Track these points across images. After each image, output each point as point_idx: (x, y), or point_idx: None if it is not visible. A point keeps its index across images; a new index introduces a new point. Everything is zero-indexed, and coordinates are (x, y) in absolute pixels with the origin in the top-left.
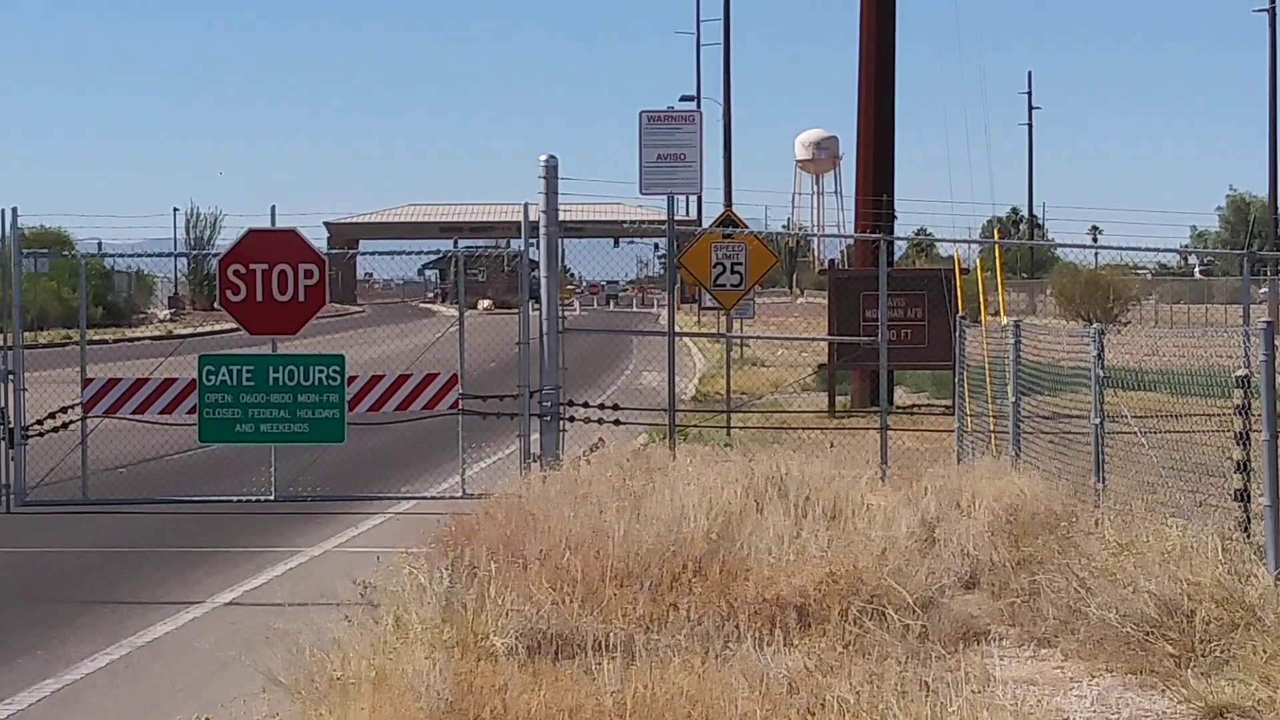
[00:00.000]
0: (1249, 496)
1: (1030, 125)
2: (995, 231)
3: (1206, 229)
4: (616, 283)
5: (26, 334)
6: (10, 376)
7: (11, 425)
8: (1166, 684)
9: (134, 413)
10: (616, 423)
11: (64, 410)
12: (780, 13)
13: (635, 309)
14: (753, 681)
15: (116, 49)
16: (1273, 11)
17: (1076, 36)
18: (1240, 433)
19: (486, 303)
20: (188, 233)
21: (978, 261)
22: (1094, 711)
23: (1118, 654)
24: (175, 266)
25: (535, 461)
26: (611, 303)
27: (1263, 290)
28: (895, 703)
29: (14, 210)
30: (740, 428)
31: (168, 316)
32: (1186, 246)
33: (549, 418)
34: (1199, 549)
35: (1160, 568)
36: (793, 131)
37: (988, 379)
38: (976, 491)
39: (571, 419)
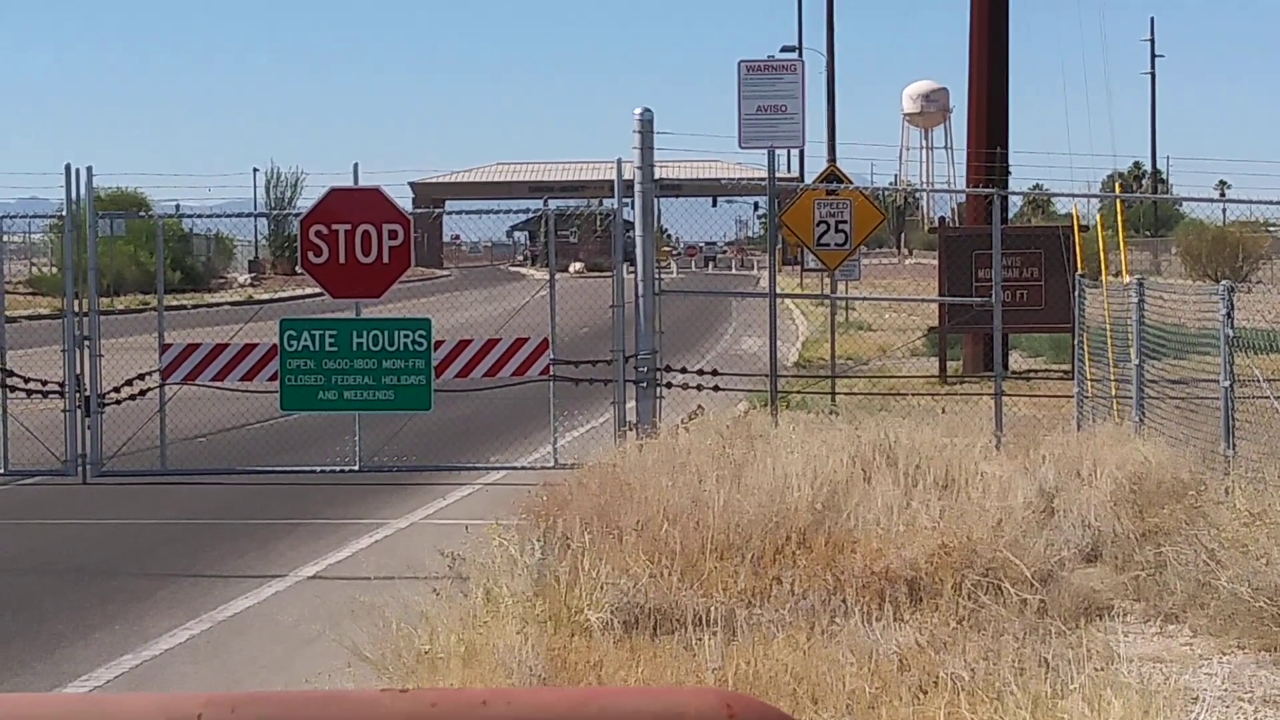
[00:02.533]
0: None
1: (1153, 74)
2: (1116, 186)
3: None
4: (715, 244)
5: (102, 299)
6: (86, 342)
7: (88, 393)
8: None
9: (213, 380)
10: (715, 389)
11: (141, 377)
12: None
13: (734, 271)
14: (861, 658)
15: (196, 6)
16: None
17: None
18: None
19: (578, 265)
20: (268, 194)
21: (1098, 218)
22: (1225, 690)
23: (1250, 630)
24: (255, 228)
25: (630, 429)
26: (710, 265)
27: None
28: (1013, 680)
29: (89, 170)
30: (845, 394)
31: (247, 281)
32: None
33: (645, 384)
34: None
35: None
36: (900, 83)
37: (1109, 342)
38: (1098, 459)
39: (669, 385)
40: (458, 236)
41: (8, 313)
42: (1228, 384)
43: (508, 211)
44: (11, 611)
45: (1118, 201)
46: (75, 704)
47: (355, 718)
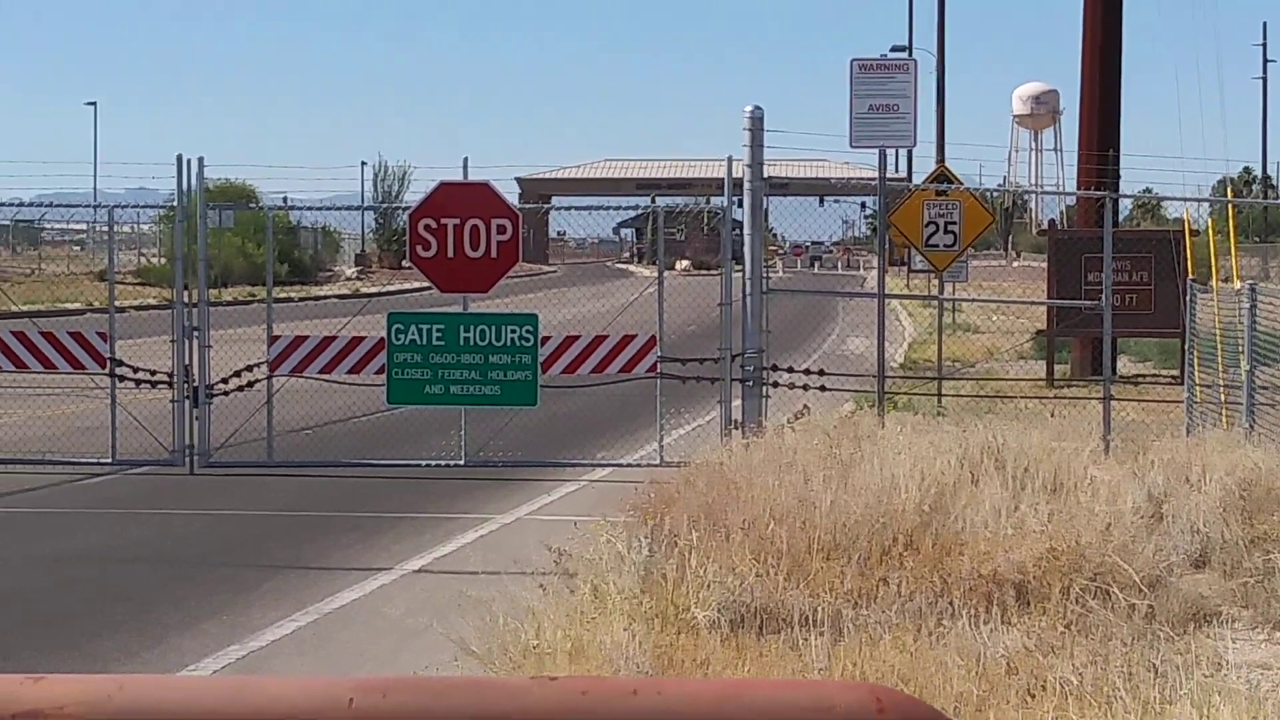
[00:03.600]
0: None
1: (1265, 79)
2: (1227, 190)
3: None
4: (821, 243)
5: (210, 290)
6: (195, 333)
7: (196, 384)
8: None
9: (320, 372)
10: (822, 389)
11: (249, 369)
12: None
13: (840, 271)
14: (968, 661)
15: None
16: None
17: None
18: None
19: (684, 263)
20: (375, 187)
21: (1209, 222)
22: None
23: None
24: (363, 222)
25: (736, 428)
26: (816, 264)
27: None
28: (1121, 685)
29: (200, 160)
30: (952, 396)
31: (354, 274)
32: None
33: (751, 383)
34: None
35: None
36: (1009, 85)
37: (1219, 347)
38: (1207, 465)
39: (775, 384)
40: (564, 232)
41: (116, 302)
42: None
43: (615, 208)
44: (120, 601)
45: (1229, 206)
46: (222, 686)
47: (504, 704)
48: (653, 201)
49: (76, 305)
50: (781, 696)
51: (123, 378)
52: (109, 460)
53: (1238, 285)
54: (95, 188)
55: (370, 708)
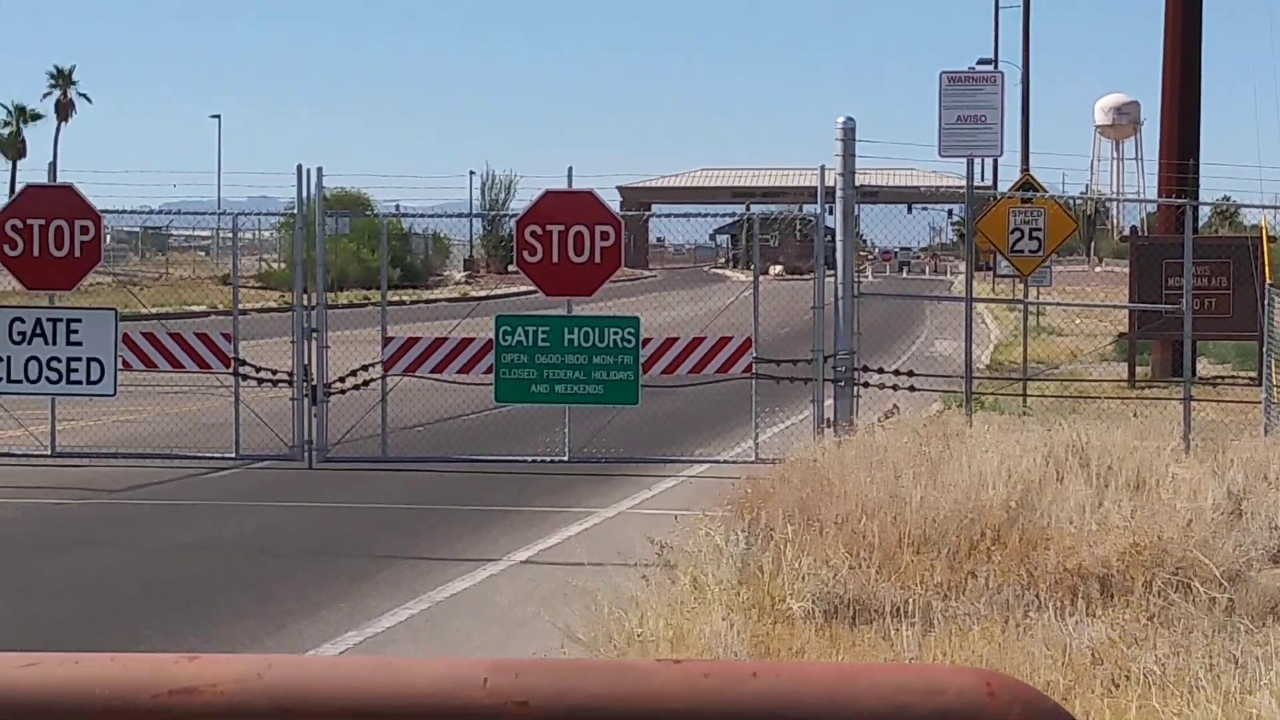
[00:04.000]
0: None
1: None
2: None
3: None
4: (909, 249)
5: (327, 294)
6: (314, 334)
7: (315, 383)
8: None
9: (431, 372)
10: (911, 389)
11: (364, 368)
12: None
13: (927, 276)
14: (1055, 651)
15: (417, 11)
16: None
17: None
18: None
19: (777, 268)
20: (483, 195)
21: None
22: None
23: None
24: (470, 229)
25: (829, 426)
26: (904, 269)
27: None
28: (1203, 675)
29: (319, 170)
30: (1037, 396)
31: (463, 278)
32: None
33: (843, 383)
34: None
35: None
36: (1091, 96)
37: None
38: None
39: (866, 384)
40: (663, 239)
41: (239, 305)
42: None
43: (711, 215)
44: (243, 589)
45: None
46: (365, 666)
47: (633, 686)
48: (747, 209)
49: (202, 308)
50: (895, 679)
51: (246, 376)
52: (233, 455)
53: None
54: (219, 196)
55: (504, 687)
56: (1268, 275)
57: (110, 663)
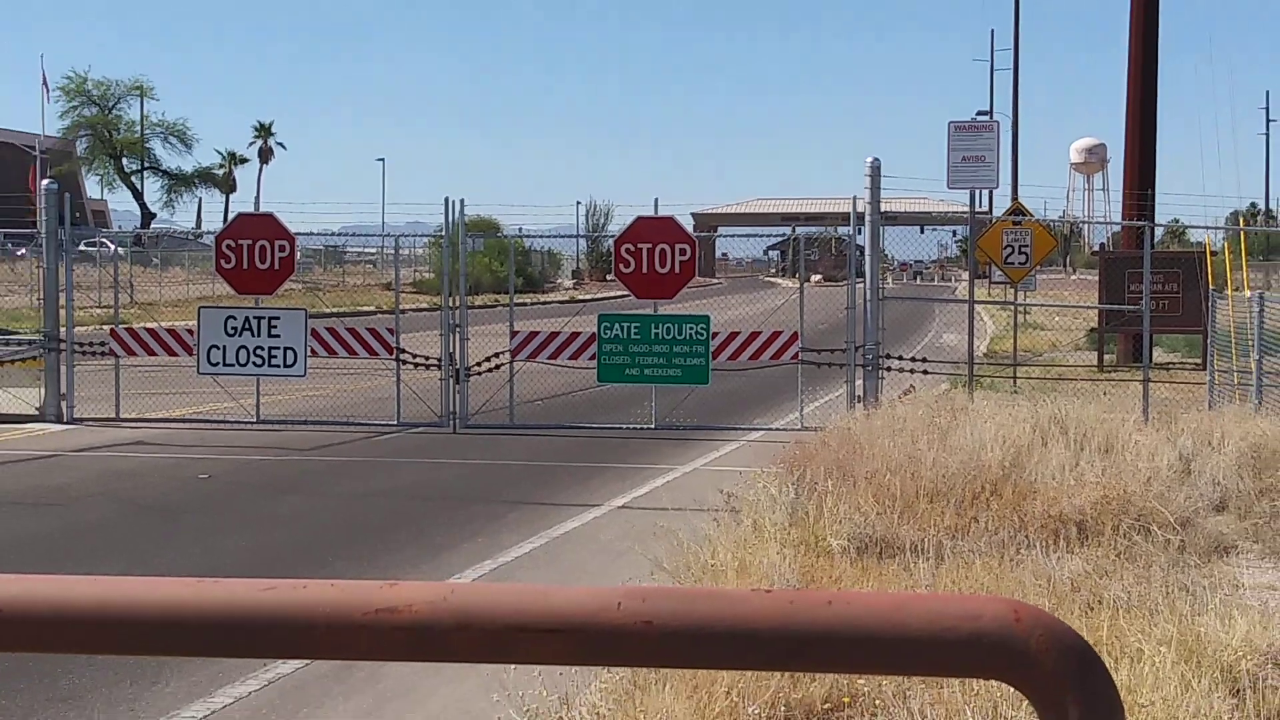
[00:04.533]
0: None
1: (1267, 135)
2: (1239, 220)
3: None
4: (921, 261)
5: (467, 297)
6: (457, 329)
7: (458, 366)
8: None
9: (548, 358)
10: (925, 372)
11: (496, 355)
12: (1060, 35)
13: (936, 283)
14: (1041, 581)
15: (530, 64)
16: None
17: None
18: None
19: (817, 277)
20: (587, 220)
21: (1224, 245)
22: None
23: None
24: (577, 246)
25: (859, 402)
26: (918, 278)
27: None
28: (1161, 601)
29: (461, 201)
30: (1024, 378)
31: (571, 285)
32: None
33: (870, 367)
34: None
35: None
36: (1067, 138)
37: (1233, 341)
38: (1225, 433)
39: (888, 369)
40: (726, 254)
41: (400, 306)
42: None
43: (765, 235)
44: (404, 526)
45: (1241, 233)
46: (526, 591)
47: (734, 609)
48: (793, 231)
49: (370, 308)
50: (940, 607)
51: (404, 361)
52: (394, 422)
53: (1248, 293)
54: (383, 220)
55: (634, 609)
56: (1210, 282)
57: (330, 588)
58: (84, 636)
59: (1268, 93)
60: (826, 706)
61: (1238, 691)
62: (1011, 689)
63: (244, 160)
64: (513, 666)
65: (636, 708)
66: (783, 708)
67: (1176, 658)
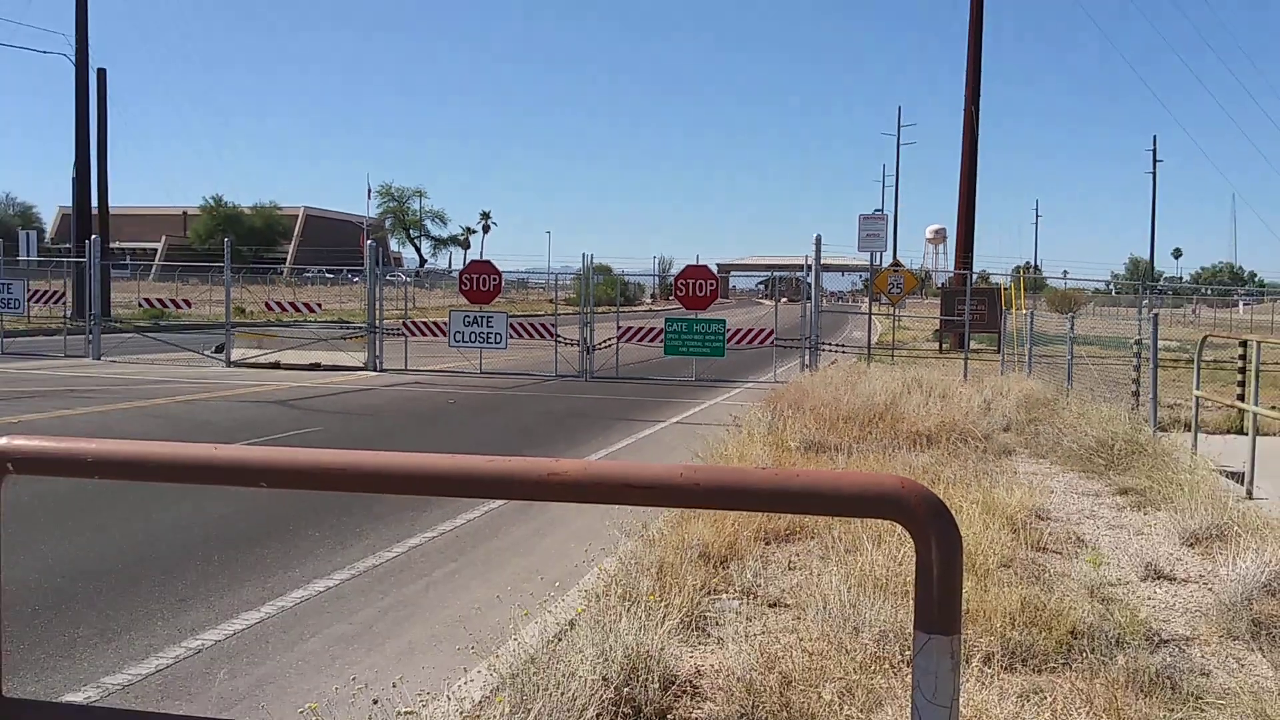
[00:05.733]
0: (1139, 393)
1: (1037, 216)
2: (1021, 271)
3: (1119, 273)
4: (842, 292)
5: (591, 307)
6: (587, 324)
7: (588, 344)
8: (1099, 477)
9: (637, 341)
10: (843, 352)
11: (608, 339)
12: (929, 152)
13: (850, 304)
14: (906, 467)
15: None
16: None
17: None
18: (1136, 364)
19: (785, 300)
20: (657, 265)
21: (1011, 284)
22: (1066, 487)
23: (1076, 462)
24: (654, 279)
25: (807, 368)
26: (840, 302)
27: (1145, 303)
28: (973, 480)
29: (590, 255)
30: (898, 357)
31: (650, 302)
32: (1116, 277)
33: (813, 349)
34: (1116, 417)
35: (1097, 425)
36: (924, 222)
37: (1015, 338)
38: (1010, 388)
39: (823, 350)
40: (735, 286)
41: (557, 312)
42: (1069, 357)
43: (756, 275)
44: (560, 432)
45: (1021, 277)
46: (630, 465)
47: (742, 478)
48: (772, 274)
49: (541, 313)
50: (859, 479)
51: (559, 340)
52: (552, 375)
53: (1024, 311)
54: (549, 262)
55: (690, 476)
56: (1003, 305)
57: (524, 461)
58: (393, 485)
59: (1038, 201)
60: (788, 531)
61: (1015, 530)
62: (898, 526)
63: (473, 230)
64: (618, 507)
65: (682, 531)
66: (763, 533)
67: (981, 511)
